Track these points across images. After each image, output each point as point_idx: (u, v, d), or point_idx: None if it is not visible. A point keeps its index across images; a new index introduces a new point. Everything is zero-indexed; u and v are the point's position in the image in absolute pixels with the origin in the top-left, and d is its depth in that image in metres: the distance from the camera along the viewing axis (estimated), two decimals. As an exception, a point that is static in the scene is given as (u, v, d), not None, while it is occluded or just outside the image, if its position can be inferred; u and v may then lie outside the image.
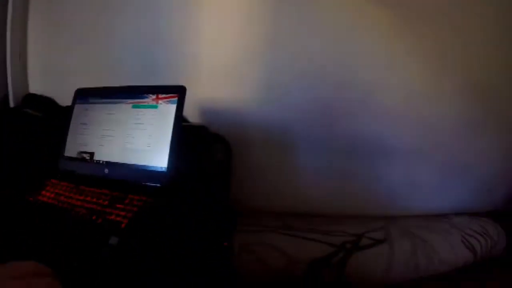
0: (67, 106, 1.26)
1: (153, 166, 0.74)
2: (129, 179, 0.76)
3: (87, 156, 0.83)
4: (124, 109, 0.80)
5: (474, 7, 1.23)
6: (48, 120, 1.24)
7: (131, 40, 1.29)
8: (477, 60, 1.30)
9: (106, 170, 0.79)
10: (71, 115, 0.90)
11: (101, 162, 0.81)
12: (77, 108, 0.89)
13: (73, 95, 1.02)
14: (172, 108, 0.75)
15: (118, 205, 0.68)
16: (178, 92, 0.75)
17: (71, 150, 0.87)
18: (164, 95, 0.76)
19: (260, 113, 1.23)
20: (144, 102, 0.78)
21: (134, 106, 0.79)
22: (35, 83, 1.50)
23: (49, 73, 1.49)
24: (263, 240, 1.20)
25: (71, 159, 0.86)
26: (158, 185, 0.73)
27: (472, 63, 1.30)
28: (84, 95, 0.89)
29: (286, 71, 1.20)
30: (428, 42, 1.25)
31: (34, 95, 1.48)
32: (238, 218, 1.09)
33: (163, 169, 0.73)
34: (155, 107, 0.77)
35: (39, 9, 1.47)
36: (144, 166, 0.75)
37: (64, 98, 1.30)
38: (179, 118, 0.74)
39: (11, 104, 1.46)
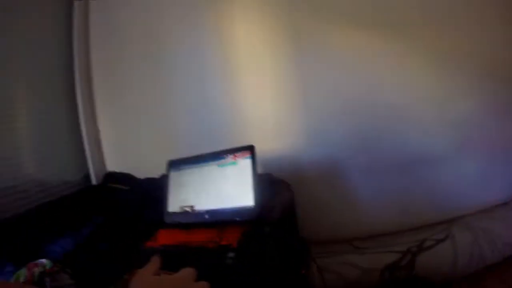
0: (146, 178, 1.58)
1: (242, 206, 1.00)
2: (225, 218, 1.02)
3: (188, 209, 1.12)
4: (211, 169, 1.09)
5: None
6: (134, 190, 1.56)
7: (190, 111, 1.59)
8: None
9: (206, 216, 1.06)
10: (169, 180, 1.19)
11: (201, 211, 1.08)
12: (172, 174, 1.19)
13: (146, 167, 1.35)
14: (248, 162, 1.02)
15: (224, 235, 0.95)
16: (250, 150, 1.03)
17: (173, 206, 1.16)
18: (239, 153, 1.04)
19: (310, 153, 1.44)
20: (226, 161, 1.06)
21: (219, 166, 1.07)
22: (112, 162, 1.85)
23: (122, 151, 1.83)
24: (338, 260, 1.39)
25: (174, 213, 1.15)
26: (249, 218, 0.98)
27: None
28: (176, 163, 1.19)
29: (324, 111, 1.43)
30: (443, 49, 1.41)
31: (113, 173, 1.81)
32: (310, 248, 1.29)
33: (251, 206, 0.98)
34: (235, 163, 1.05)
35: (104, 98, 1.84)
36: (235, 207, 1.01)
37: (139, 171, 1.62)
38: (255, 167, 1.01)
39: (93, 182, 1.80)
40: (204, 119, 1.57)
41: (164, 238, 1.06)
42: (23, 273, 0.82)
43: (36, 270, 0.83)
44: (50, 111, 1.67)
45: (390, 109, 1.43)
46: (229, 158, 1.06)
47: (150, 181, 1.58)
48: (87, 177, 1.79)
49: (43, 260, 0.86)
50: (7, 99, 1.47)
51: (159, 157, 1.56)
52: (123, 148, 1.78)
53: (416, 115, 1.45)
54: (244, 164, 1.03)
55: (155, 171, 1.53)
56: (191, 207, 1.11)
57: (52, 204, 1.46)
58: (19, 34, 1.55)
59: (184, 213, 1.12)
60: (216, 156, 1.09)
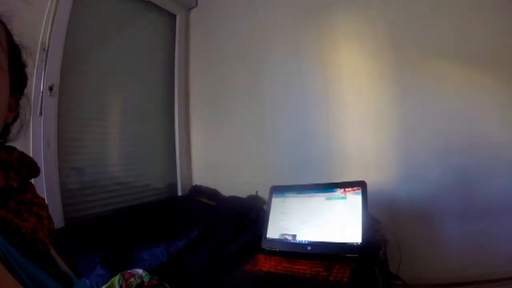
0: (231, 196, 1.69)
1: (350, 242, 1.06)
2: (330, 252, 1.08)
3: (289, 237, 1.19)
4: (319, 201, 1.16)
5: None
6: (222, 208, 1.67)
7: (284, 141, 1.68)
8: None
9: (309, 248, 1.13)
10: (270, 205, 1.28)
11: (303, 241, 1.16)
12: (275, 200, 1.28)
13: (231, 186, 1.41)
14: (358, 198, 1.08)
15: (333, 270, 1.00)
16: (361, 186, 1.09)
17: (273, 233, 1.24)
18: (350, 188, 1.11)
19: (405, 191, 1.46)
20: (335, 194, 1.13)
21: (328, 198, 1.14)
22: (198, 176, 2.00)
23: (210, 168, 1.98)
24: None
25: (274, 239, 1.23)
26: (356, 255, 1.04)
27: None
28: (280, 190, 1.28)
29: (423, 149, 1.45)
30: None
31: (200, 186, 1.96)
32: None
33: (359, 243, 1.04)
34: (344, 198, 1.11)
35: (199, 116, 2.01)
36: (341, 242, 1.07)
37: (225, 189, 1.74)
38: (365, 205, 1.07)
39: (179, 193, 1.97)
40: (301, 148, 1.64)
41: (265, 263, 1.14)
42: (117, 281, 0.83)
43: (133, 281, 0.84)
44: (151, 120, 1.87)
45: (489, 150, 1.41)
46: (339, 192, 1.13)
47: (236, 200, 1.69)
48: (173, 186, 1.96)
49: (139, 271, 0.87)
50: (120, 107, 1.69)
51: (246, 178, 1.69)
52: (211, 165, 1.92)
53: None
54: (354, 200, 1.09)
55: (240, 191, 1.65)
56: (293, 236, 1.19)
57: (142, 208, 1.62)
58: (127, 50, 1.78)
59: (284, 241, 1.20)
60: (325, 188, 1.16)
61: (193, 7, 2.16)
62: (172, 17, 2.12)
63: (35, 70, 1.32)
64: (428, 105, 1.46)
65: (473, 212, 1.45)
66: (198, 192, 1.86)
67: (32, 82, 1.30)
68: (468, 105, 1.42)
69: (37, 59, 1.33)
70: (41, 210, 0.45)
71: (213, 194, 1.81)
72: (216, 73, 1.96)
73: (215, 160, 1.92)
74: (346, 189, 1.11)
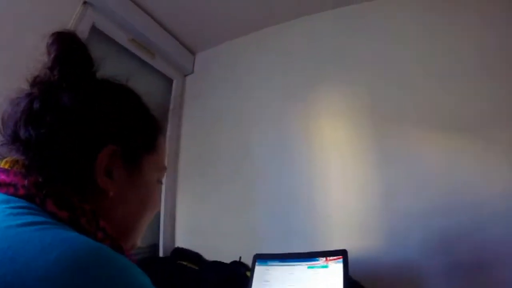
0: (215, 261, 1.74)
1: (331, 313, 1.12)
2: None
3: (272, 306, 1.25)
4: (301, 270, 1.23)
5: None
6: (204, 273, 1.71)
7: (269, 208, 1.77)
8: None
9: (291, 317, 1.19)
10: (253, 274, 1.35)
11: (285, 310, 1.21)
12: (258, 268, 1.35)
13: (216, 251, 1.53)
14: (340, 266, 1.16)
15: None
16: (342, 254, 1.18)
17: (256, 302, 1.29)
18: (332, 257, 1.19)
19: (389, 255, 1.52)
20: (317, 263, 1.21)
21: (310, 267, 1.22)
22: (181, 238, 2.05)
23: (194, 231, 2.04)
24: None
25: (256, 309, 1.28)
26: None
27: None
28: (263, 258, 1.35)
29: (405, 213, 1.52)
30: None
31: (182, 249, 2.00)
32: None
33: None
34: (326, 266, 1.19)
35: (187, 180, 2.12)
36: (322, 313, 1.13)
37: (208, 253, 1.79)
38: (347, 273, 1.15)
39: (160, 254, 2.00)
40: (286, 215, 1.72)
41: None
42: None
43: None
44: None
45: (469, 208, 1.48)
46: (321, 261, 1.21)
47: (219, 265, 1.74)
48: (154, 247, 2.00)
49: None
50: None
51: (230, 244, 1.76)
52: (195, 228, 1.99)
53: (500, 212, 1.46)
54: (336, 268, 1.17)
55: (223, 256, 1.70)
56: (276, 304, 1.24)
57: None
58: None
59: (266, 309, 1.26)
60: (308, 257, 1.24)
61: (189, 74, 2.38)
62: (169, 81, 2.32)
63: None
64: (409, 170, 1.58)
65: (458, 270, 1.48)
66: (180, 254, 1.89)
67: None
68: (446, 168, 1.53)
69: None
70: None
71: (196, 258, 1.84)
72: (206, 139, 2.11)
73: (199, 224, 1.99)
74: (328, 258, 1.20)
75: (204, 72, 2.36)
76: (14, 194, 0.43)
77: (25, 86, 0.51)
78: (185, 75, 2.40)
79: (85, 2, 1.78)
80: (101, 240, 0.45)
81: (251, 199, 1.84)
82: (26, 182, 0.43)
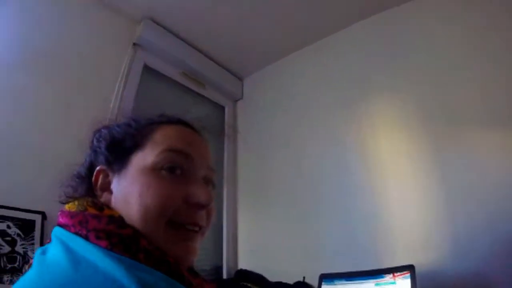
0: (278, 282, 1.76)
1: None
2: None
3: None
4: (368, 287, 1.23)
5: None
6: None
7: (329, 226, 1.76)
8: None
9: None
10: (319, 293, 1.36)
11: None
12: (324, 288, 1.36)
13: (279, 272, 1.56)
14: (407, 282, 1.15)
15: None
16: (410, 269, 1.16)
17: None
18: (399, 273, 1.18)
19: (454, 267, 1.44)
20: (384, 280, 1.20)
21: (377, 284, 1.22)
22: (244, 260, 2.10)
23: (257, 252, 2.08)
24: None
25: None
26: None
27: None
28: (329, 277, 1.37)
29: (468, 223, 1.43)
30: None
31: (245, 271, 2.04)
32: None
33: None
34: (394, 283, 1.18)
35: (246, 204, 2.18)
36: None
37: (271, 274, 1.81)
38: (416, 289, 1.13)
39: (224, 276, 2.06)
40: (347, 232, 1.70)
41: None
42: None
43: None
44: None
45: None
46: (388, 277, 1.20)
47: (283, 286, 1.76)
48: (218, 269, 2.07)
49: None
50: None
51: (293, 264, 1.78)
52: (257, 250, 2.03)
53: None
54: (403, 284, 1.15)
55: (286, 277, 1.72)
56: (345, 324, 1.25)
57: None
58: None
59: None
60: (374, 274, 1.24)
61: (239, 99, 2.48)
62: (221, 108, 2.44)
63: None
64: (469, 176, 1.49)
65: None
66: (243, 276, 1.93)
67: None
68: (509, 168, 1.43)
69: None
70: None
71: (259, 280, 1.88)
72: (262, 160, 2.17)
73: (261, 245, 2.03)
74: (395, 274, 1.19)
75: (253, 96, 2.46)
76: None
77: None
78: (236, 101, 2.51)
79: (134, 44, 1.96)
80: (146, 261, 0.47)
81: (312, 217, 1.84)
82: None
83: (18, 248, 1.23)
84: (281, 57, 2.35)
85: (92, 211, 0.53)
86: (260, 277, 1.88)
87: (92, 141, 0.66)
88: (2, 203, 1.25)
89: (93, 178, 0.60)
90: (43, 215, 1.34)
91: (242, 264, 2.06)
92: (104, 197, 0.59)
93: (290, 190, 1.99)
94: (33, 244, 1.29)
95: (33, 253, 1.27)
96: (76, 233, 0.49)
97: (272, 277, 1.80)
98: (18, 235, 1.25)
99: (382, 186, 1.67)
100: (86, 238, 0.48)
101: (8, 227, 1.22)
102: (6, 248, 1.20)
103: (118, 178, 0.58)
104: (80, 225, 0.50)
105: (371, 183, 1.70)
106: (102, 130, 0.66)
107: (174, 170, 0.57)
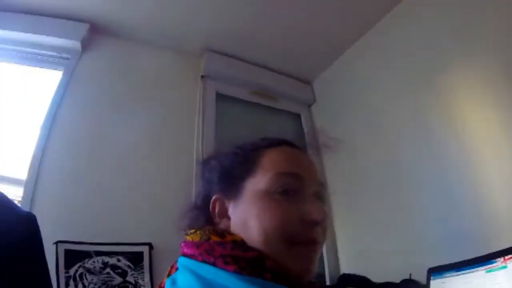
0: (384, 283, 1.68)
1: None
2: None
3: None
4: (480, 276, 1.12)
5: None
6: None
7: (430, 218, 1.63)
8: None
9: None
10: (428, 290, 1.29)
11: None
12: (433, 283, 1.28)
13: (383, 272, 1.51)
14: (522, 264, 1.03)
15: None
16: (524, 250, 1.04)
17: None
18: (510, 255, 1.07)
19: None
20: (495, 266, 1.10)
21: (488, 271, 1.11)
22: (346, 264, 2.05)
23: (358, 255, 2.01)
24: None
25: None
26: None
27: None
28: (438, 271, 1.29)
29: None
30: None
31: (348, 275, 1.99)
32: None
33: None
34: (505, 267, 1.07)
35: (340, 208, 2.12)
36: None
37: (375, 275, 1.73)
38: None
39: (328, 282, 2.03)
40: (449, 222, 1.56)
41: None
42: None
43: None
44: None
45: None
46: (499, 262, 1.09)
47: (389, 286, 1.68)
48: (321, 276, 2.06)
49: None
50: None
51: (397, 262, 1.68)
52: (358, 251, 1.98)
53: None
54: (517, 268, 1.04)
55: (391, 276, 1.64)
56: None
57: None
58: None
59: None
60: (483, 260, 1.13)
61: (313, 103, 2.48)
62: (297, 116, 2.47)
63: (194, 181, 1.70)
64: None
65: None
66: (347, 281, 1.89)
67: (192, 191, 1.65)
68: None
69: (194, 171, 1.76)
70: None
71: (363, 282, 1.81)
72: (350, 161, 2.07)
73: (361, 247, 1.96)
74: (506, 257, 1.07)
75: (326, 97, 2.44)
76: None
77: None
78: (309, 105, 2.51)
79: (202, 76, 2.12)
80: (273, 280, 0.51)
81: (410, 211, 1.72)
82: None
83: (129, 278, 1.41)
84: (344, 50, 2.29)
85: (215, 238, 0.59)
86: (364, 279, 1.82)
87: (203, 173, 0.73)
88: (112, 240, 1.45)
89: (211, 207, 0.66)
90: (150, 245, 1.52)
91: (345, 269, 2.02)
92: (223, 224, 0.64)
93: (383, 186, 1.90)
94: (142, 273, 1.46)
95: (143, 281, 1.46)
96: (204, 261, 0.54)
97: (377, 278, 1.74)
98: (129, 266, 1.43)
99: (479, 169, 1.50)
100: (214, 264, 0.53)
101: (118, 260, 1.41)
102: (118, 279, 1.37)
103: (234, 204, 0.64)
104: (207, 253, 0.55)
105: (468, 166, 1.53)
106: (211, 161, 0.72)
107: (287, 192, 0.60)
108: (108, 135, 1.79)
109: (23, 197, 1.45)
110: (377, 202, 1.92)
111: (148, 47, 2.10)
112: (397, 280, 1.59)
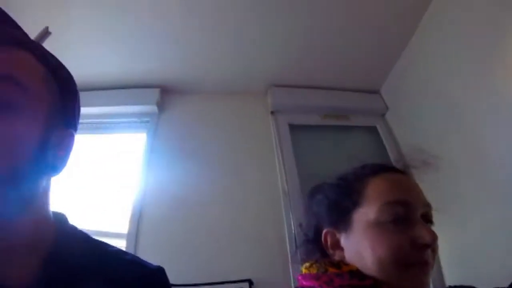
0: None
1: None
2: None
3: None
4: None
5: None
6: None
7: None
8: None
9: None
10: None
11: None
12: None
13: (493, 278, 1.25)
14: None
15: None
16: None
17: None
18: None
19: None
20: None
21: None
22: (450, 275, 1.83)
23: (461, 264, 1.78)
24: None
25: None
26: None
27: None
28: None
29: None
30: None
31: (454, 286, 1.79)
32: None
33: None
34: None
35: (440, 218, 1.94)
36: None
37: (483, 284, 1.51)
38: None
39: None
40: None
41: None
42: None
43: None
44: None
45: None
46: None
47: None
48: None
49: None
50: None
51: (505, 263, 1.49)
52: (460, 260, 1.80)
53: None
54: None
55: (502, 282, 1.44)
56: None
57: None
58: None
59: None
60: None
61: (385, 112, 2.40)
62: (373, 129, 2.40)
63: (284, 213, 1.83)
64: None
65: None
66: None
67: (283, 223, 1.81)
68: None
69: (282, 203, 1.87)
70: None
71: None
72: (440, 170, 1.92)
73: (464, 255, 1.75)
74: None
75: (397, 103, 2.34)
76: None
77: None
78: (383, 115, 2.43)
79: (272, 112, 2.20)
80: None
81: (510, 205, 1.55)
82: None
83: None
84: (403, 48, 2.18)
85: (332, 270, 0.63)
86: (471, 288, 1.66)
87: (310, 206, 0.78)
88: (214, 280, 1.52)
89: (323, 240, 0.71)
90: (250, 281, 1.55)
91: (450, 280, 1.84)
92: (337, 255, 0.68)
93: (477, 184, 1.72)
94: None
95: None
96: None
97: (485, 285, 1.54)
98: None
99: None
100: None
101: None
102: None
103: (346, 235, 0.68)
104: (327, 285, 0.60)
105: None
106: (316, 195, 0.77)
107: (397, 220, 0.63)
108: (195, 182, 1.93)
109: (126, 248, 1.65)
110: (471, 204, 1.76)
111: (216, 95, 2.28)
112: (505, 284, 1.40)
